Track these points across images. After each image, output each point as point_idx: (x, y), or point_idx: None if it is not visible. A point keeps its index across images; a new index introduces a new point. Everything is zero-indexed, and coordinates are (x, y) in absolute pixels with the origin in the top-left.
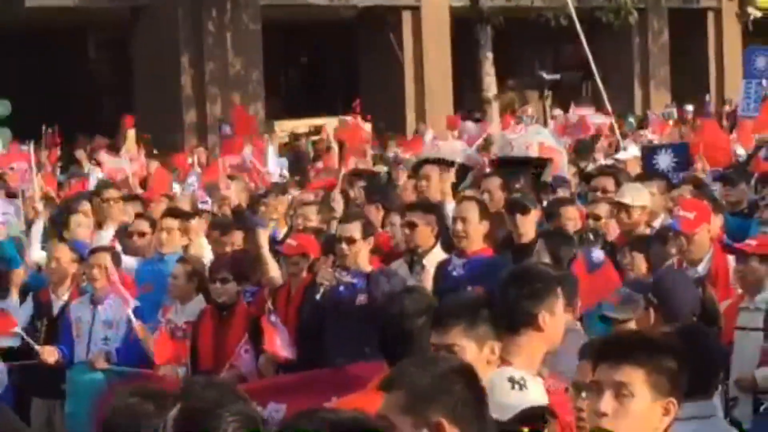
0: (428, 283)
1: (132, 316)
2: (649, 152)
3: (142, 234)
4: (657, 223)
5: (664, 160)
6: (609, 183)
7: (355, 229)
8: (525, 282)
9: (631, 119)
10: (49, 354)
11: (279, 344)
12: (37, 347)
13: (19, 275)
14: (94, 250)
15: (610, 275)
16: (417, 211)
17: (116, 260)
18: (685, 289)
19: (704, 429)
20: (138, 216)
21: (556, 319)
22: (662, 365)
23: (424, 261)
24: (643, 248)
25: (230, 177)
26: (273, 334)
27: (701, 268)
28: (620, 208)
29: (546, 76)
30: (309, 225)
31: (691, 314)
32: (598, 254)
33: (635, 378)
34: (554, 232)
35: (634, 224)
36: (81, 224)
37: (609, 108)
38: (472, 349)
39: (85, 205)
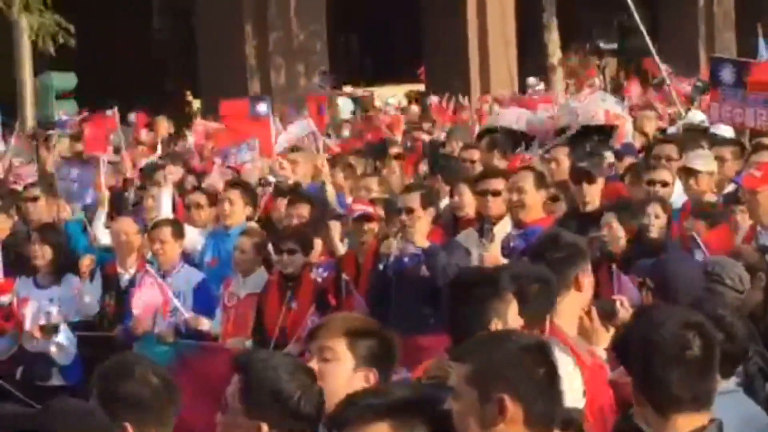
0: (496, 251)
1: (184, 312)
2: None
3: (198, 206)
4: (728, 191)
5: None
6: (672, 150)
7: (414, 200)
8: (561, 246)
9: (699, 83)
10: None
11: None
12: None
13: (87, 263)
14: (156, 224)
15: None
16: (500, 177)
17: (178, 233)
18: (686, 275)
19: (726, 402)
20: (195, 189)
21: (591, 280)
22: None
23: (495, 230)
24: (709, 216)
25: (296, 149)
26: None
27: None
28: (688, 174)
29: (603, 45)
30: (372, 197)
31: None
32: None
33: None
34: (622, 203)
35: (702, 191)
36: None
37: (665, 75)
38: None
39: (159, 175)
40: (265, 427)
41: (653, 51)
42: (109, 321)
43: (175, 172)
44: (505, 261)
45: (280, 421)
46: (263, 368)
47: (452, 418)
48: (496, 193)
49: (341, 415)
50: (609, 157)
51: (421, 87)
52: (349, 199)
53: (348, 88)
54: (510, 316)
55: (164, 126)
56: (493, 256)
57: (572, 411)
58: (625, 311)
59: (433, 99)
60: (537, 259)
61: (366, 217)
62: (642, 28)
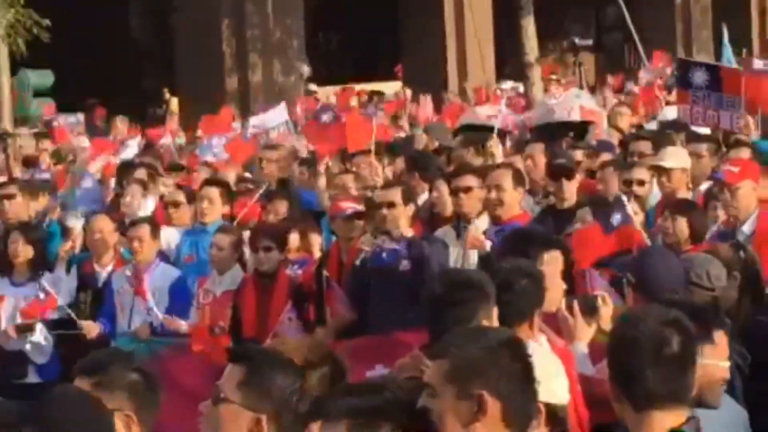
0: (478, 232)
1: (159, 315)
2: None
3: (176, 204)
4: (704, 187)
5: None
6: (646, 147)
7: (395, 194)
8: (521, 244)
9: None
10: (92, 329)
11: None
12: (80, 322)
13: (65, 249)
14: (134, 222)
15: (629, 234)
16: (471, 174)
17: (155, 232)
18: (666, 269)
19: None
20: (175, 187)
21: (552, 279)
22: None
23: (471, 227)
24: (686, 212)
25: (272, 147)
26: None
27: (746, 228)
28: (660, 171)
29: (578, 41)
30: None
31: (673, 294)
32: (617, 216)
33: None
34: (599, 199)
35: (675, 188)
36: (135, 194)
37: (649, 69)
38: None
39: (140, 174)
40: (264, 419)
41: (639, 44)
42: (85, 319)
43: (143, 174)
44: (488, 243)
45: (278, 415)
46: (268, 361)
47: (426, 416)
48: (468, 190)
49: (312, 411)
50: (578, 155)
51: (398, 84)
52: (326, 198)
53: (313, 86)
54: (494, 318)
55: (123, 125)
56: (477, 236)
57: (557, 407)
58: (606, 307)
59: (389, 97)
60: (500, 258)
61: (356, 215)
62: (629, 22)
